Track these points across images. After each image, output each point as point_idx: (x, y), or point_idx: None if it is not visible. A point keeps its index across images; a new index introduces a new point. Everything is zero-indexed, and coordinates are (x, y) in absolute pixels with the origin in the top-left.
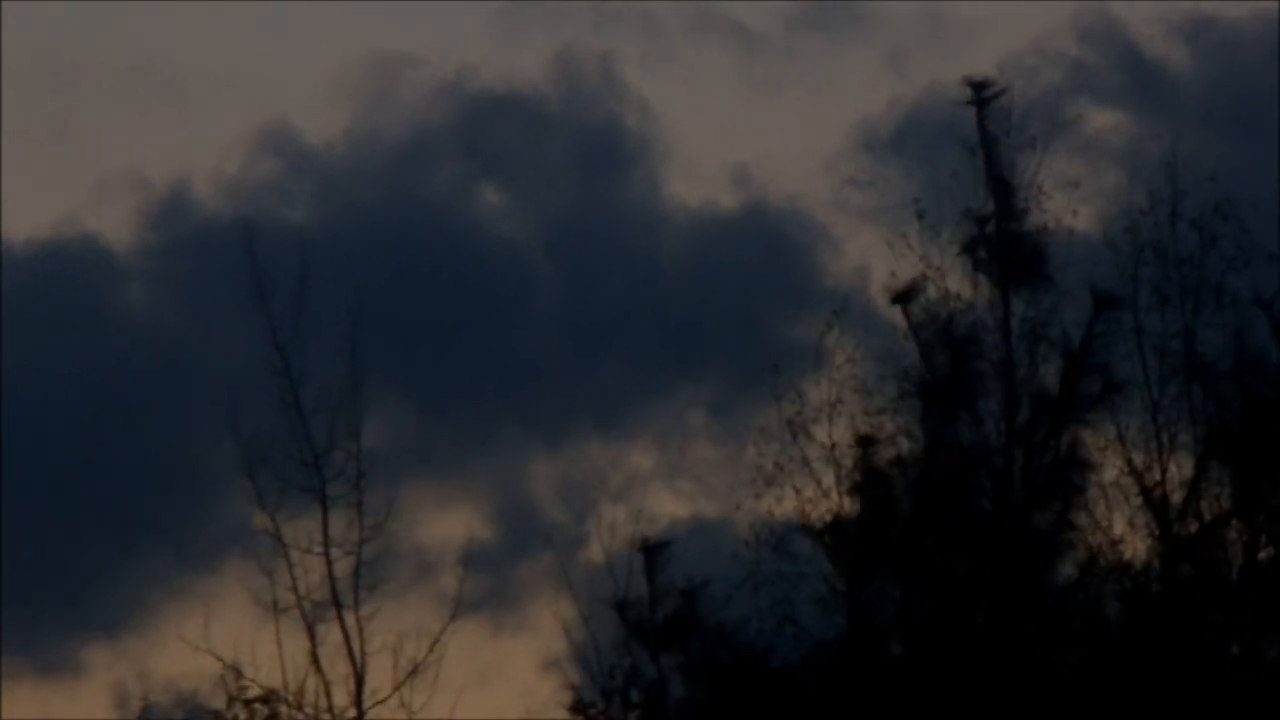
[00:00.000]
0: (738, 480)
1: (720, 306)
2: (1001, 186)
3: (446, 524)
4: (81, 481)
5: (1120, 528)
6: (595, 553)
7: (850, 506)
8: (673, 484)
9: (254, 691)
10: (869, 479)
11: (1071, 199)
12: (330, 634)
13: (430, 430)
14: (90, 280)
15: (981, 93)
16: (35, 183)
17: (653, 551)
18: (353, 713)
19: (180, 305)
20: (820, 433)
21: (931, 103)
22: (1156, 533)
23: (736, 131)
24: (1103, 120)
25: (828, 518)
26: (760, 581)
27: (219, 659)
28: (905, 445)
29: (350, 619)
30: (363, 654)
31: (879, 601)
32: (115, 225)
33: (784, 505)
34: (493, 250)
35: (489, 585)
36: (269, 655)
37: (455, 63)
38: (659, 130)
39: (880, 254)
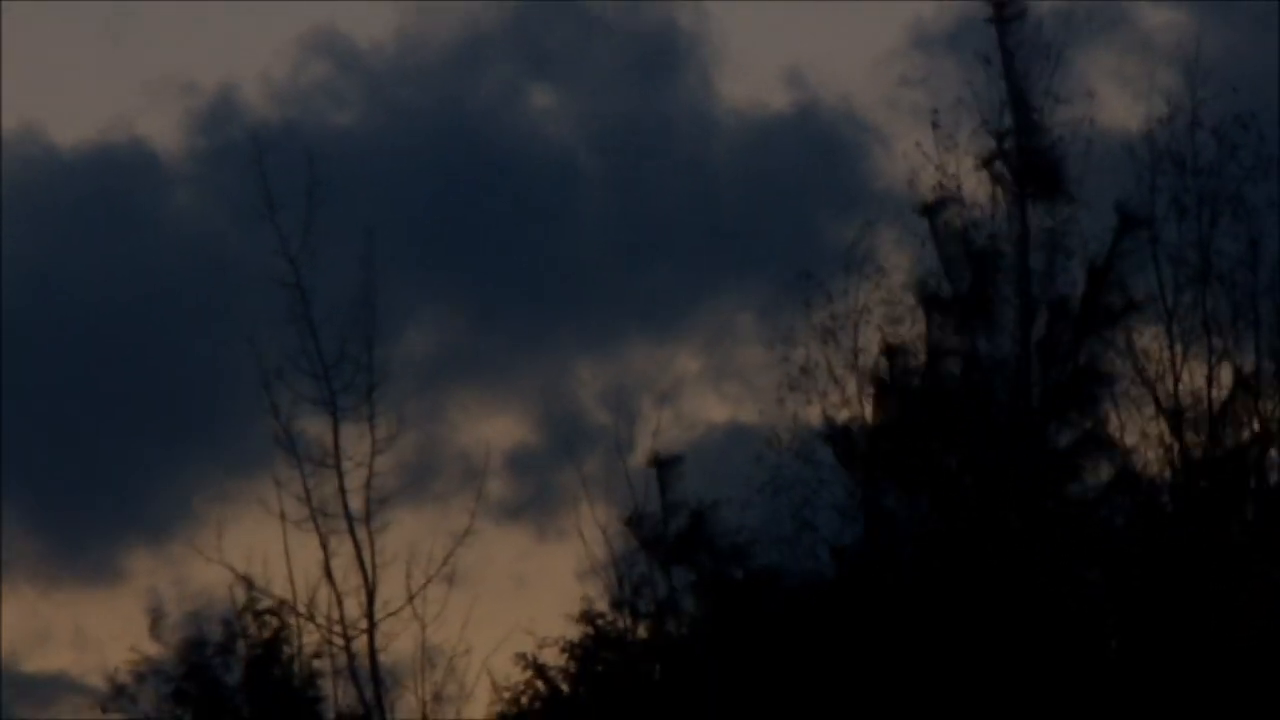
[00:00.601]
0: (779, 384)
1: (771, 209)
2: (1020, 102)
3: (493, 429)
4: (127, 385)
5: (1134, 440)
6: (641, 458)
7: (869, 414)
8: (719, 388)
9: (265, 603)
10: (886, 387)
11: (1088, 108)
12: (344, 546)
13: (477, 335)
14: (136, 185)
15: (1003, 10)
16: (85, 86)
17: (665, 466)
18: (365, 624)
19: (224, 211)
20: (846, 339)
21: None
22: (1172, 445)
23: (789, 31)
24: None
25: (846, 423)
26: (781, 486)
27: (232, 569)
28: (923, 355)
29: (361, 531)
30: (374, 566)
31: (894, 510)
32: (163, 129)
33: (809, 411)
34: (542, 153)
35: (534, 490)
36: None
37: None
38: (711, 30)
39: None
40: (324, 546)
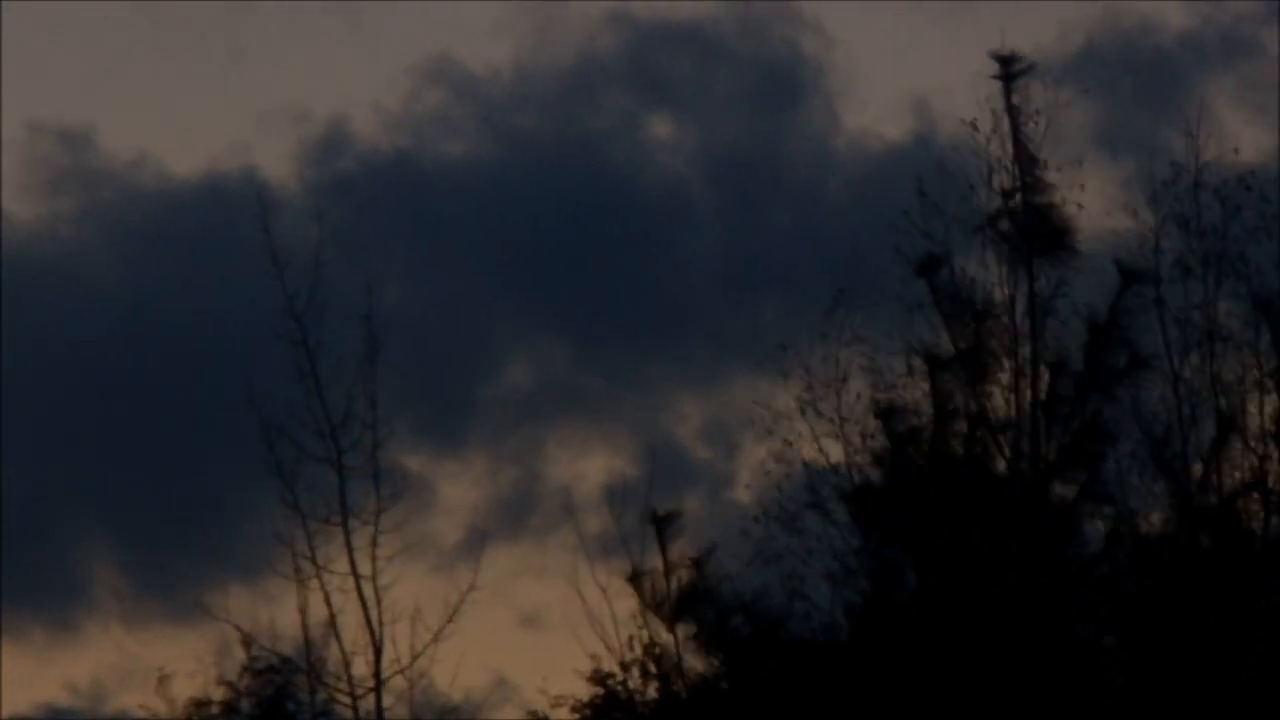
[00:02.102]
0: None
1: (884, 241)
2: (1025, 160)
3: (590, 464)
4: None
5: (1139, 500)
6: (740, 493)
7: (870, 475)
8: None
9: (269, 661)
10: (885, 449)
11: (1078, 174)
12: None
13: (580, 368)
14: (246, 215)
15: (1009, 67)
16: (199, 116)
17: (663, 522)
18: (371, 682)
19: (333, 242)
20: (828, 408)
21: (1107, 30)
22: (1174, 505)
23: (913, 58)
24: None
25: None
26: (769, 557)
27: (237, 628)
28: (924, 415)
29: (368, 588)
30: (380, 624)
31: (896, 571)
32: (275, 158)
33: (793, 481)
34: (656, 183)
35: (631, 527)
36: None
37: None
38: (836, 58)
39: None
40: (329, 604)
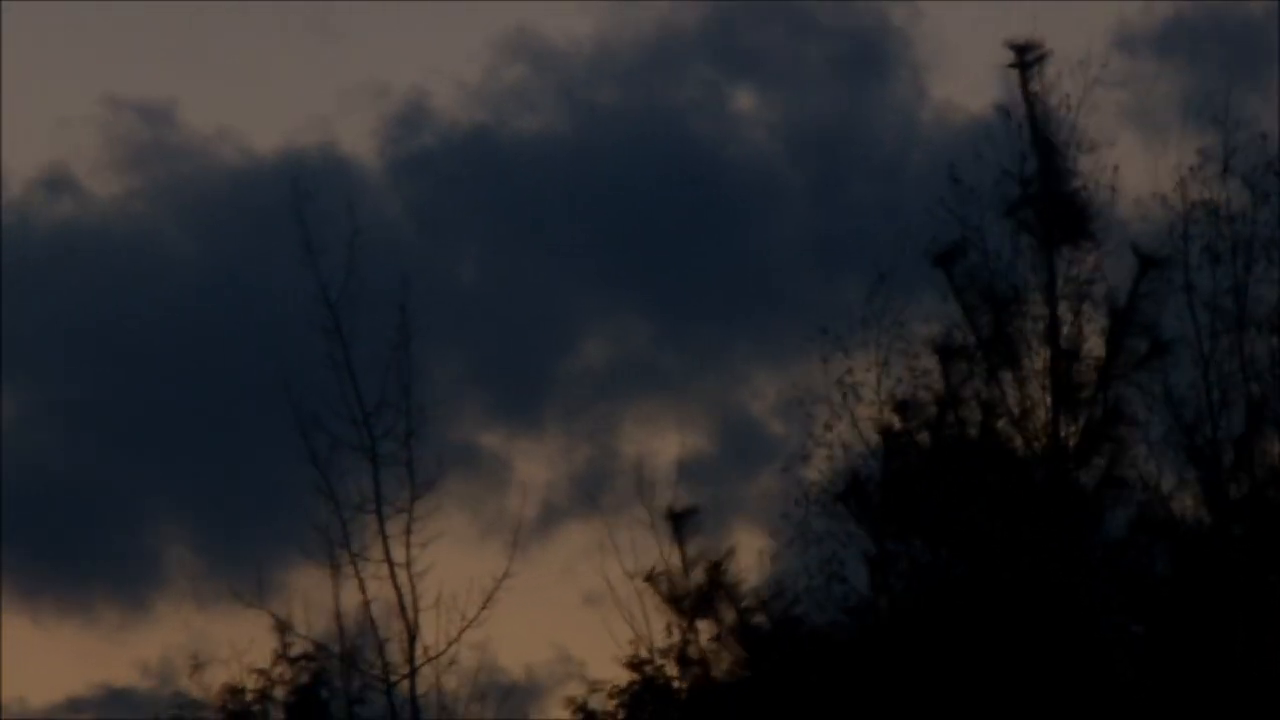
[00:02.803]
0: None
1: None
2: (1045, 147)
3: (667, 441)
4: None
5: (1169, 485)
6: (815, 472)
7: (881, 466)
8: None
9: (303, 648)
10: (898, 439)
11: (1110, 156)
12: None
13: (658, 344)
14: (327, 190)
15: (1024, 55)
16: (281, 91)
17: (680, 519)
18: (406, 669)
19: (411, 219)
20: (867, 393)
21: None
22: (1204, 493)
23: (1002, 29)
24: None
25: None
26: (810, 540)
27: (271, 614)
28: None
29: (402, 576)
30: (415, 611)
31: (913, 564)
32: (355, 134)
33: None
34: (739, 157)
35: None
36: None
37: None
38: (924, 30)
39: (1132, 162)
40: (363, 591)
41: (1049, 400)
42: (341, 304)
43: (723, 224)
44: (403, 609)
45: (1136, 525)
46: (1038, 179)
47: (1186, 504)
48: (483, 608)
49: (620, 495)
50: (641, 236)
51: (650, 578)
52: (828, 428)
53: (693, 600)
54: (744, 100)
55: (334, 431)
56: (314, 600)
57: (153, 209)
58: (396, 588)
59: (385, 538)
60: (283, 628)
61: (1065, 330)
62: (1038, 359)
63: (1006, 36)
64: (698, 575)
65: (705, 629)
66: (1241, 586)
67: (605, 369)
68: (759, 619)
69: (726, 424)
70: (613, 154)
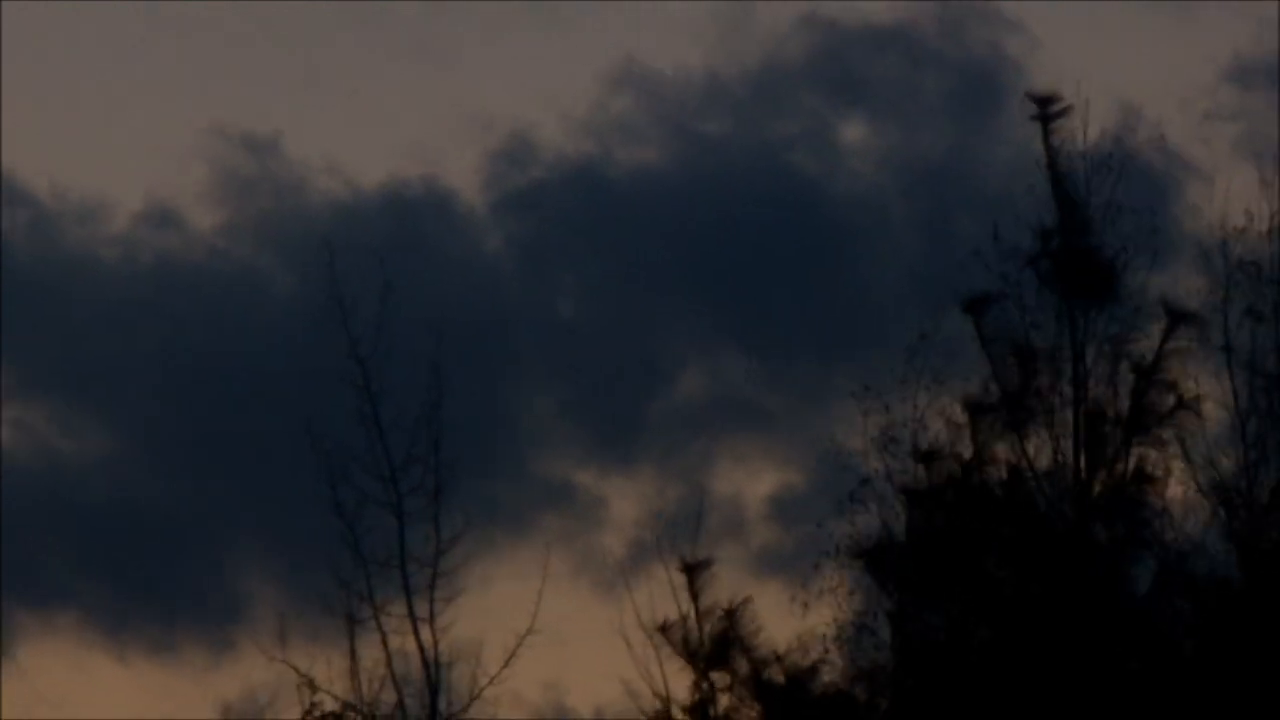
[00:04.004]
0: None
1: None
2: (1067, 203)
3: (761, 480)
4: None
5: (1194, 545)
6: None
7: (901, 524)
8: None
9: (328, 704)
10: (921, 495)
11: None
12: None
13: (756, 379)
14: (429, 224)
15: (1046, 108)
16: (387, 123)
17: (694, 570)
18: None
19: (514, 254)
20: (903, 449)
21: None
22: (1237, 551)
23: (1119, 61)
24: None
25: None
26: (832, 596)
27: (295, 669)
28: (967, 460)
29: (425, 632)
30: (437, 667)
31: (932, 623)
32: (458, 167)
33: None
34: (846, 190)
35: (799, 544)
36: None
37: None
38: (1041, 60)
39: (1246, 197)
40: (385, 647)
41: (1074, 457)
42: (372, 360)
43: (827, 259)
44: (425, 665)
45: (1159, 583)
46: (1057, 234)
47: (1214, 561)
48: (505, 665)
49: (711, 534)
50: (744, 270)
51: (664, 629)
52: (864, 482)
53: (707, 652)
54: (852, 132)
55: (361, 485)
56: (337, 654)
57: (254, 242)
58: (420, 644)
59: (409, 594)
60: (307, 683)
61: (1091, 386)
62: (1063, 415)
63: (1030, 89)
64: (713, 626)
65: (720, 681)
66: (1269, 643)
67: (701, 405)
68: (774, 673)
69: (822, 462)
70: (718, 187)
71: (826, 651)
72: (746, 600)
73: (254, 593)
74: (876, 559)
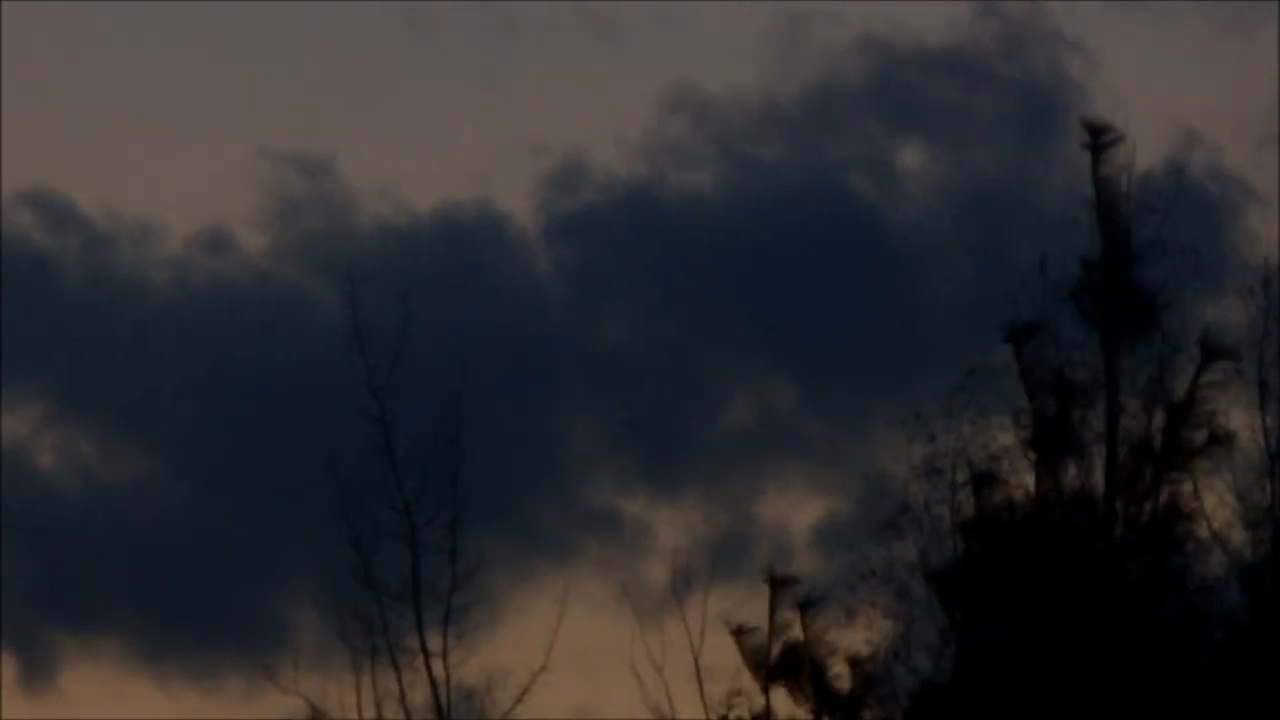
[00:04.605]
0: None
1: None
2: (1112, 235)
3: (807, 508)
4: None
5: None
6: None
7: (960, 548)
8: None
9: None
10: (974, 520)
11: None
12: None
13: (806, 406)
14: (480, 248)
15: (1098, 138)
16: (442, 144)
17: (779, 585)
18: None
19: (565, 275)
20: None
21: None
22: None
23: (1181, 83)
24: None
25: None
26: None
27: (308, 701)
28: (1018, 488)
29: (438, 666)
30: (449, 702)
31: (987, 645)
32: (512, 190)
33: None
34: (905, 214)
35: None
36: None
37: (870, 12)
38: (1102, 82)
39: None
40: (399, 680)
41: (1106, 489)
42: (388, 389)
43: (880, 285)
44: (436, 700)
45: (1187, 616)
46: (1100, 267)
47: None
48: (517, 701)
49: (754, 561)
50: (797, 295)
51: (738, 633)
52: (904, 510)
53: (775, 664)
54: (909, 156)
55: (377, 517)
56: (349, 686)
57: (303, 266)
58: (431, 678)
59: (421, 628)
60: (320, 714)
61: (1125, 419)
62: (1098, 447)
63: (1086, 112)
64: (784, 640)
65: (780, 696)
66: None
67: (749, 434)
68: (839, 686)
69: (867, 490)
70: (771, 211)
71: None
72: (821, 598)
73: (290, 620)
74: (933, 580)
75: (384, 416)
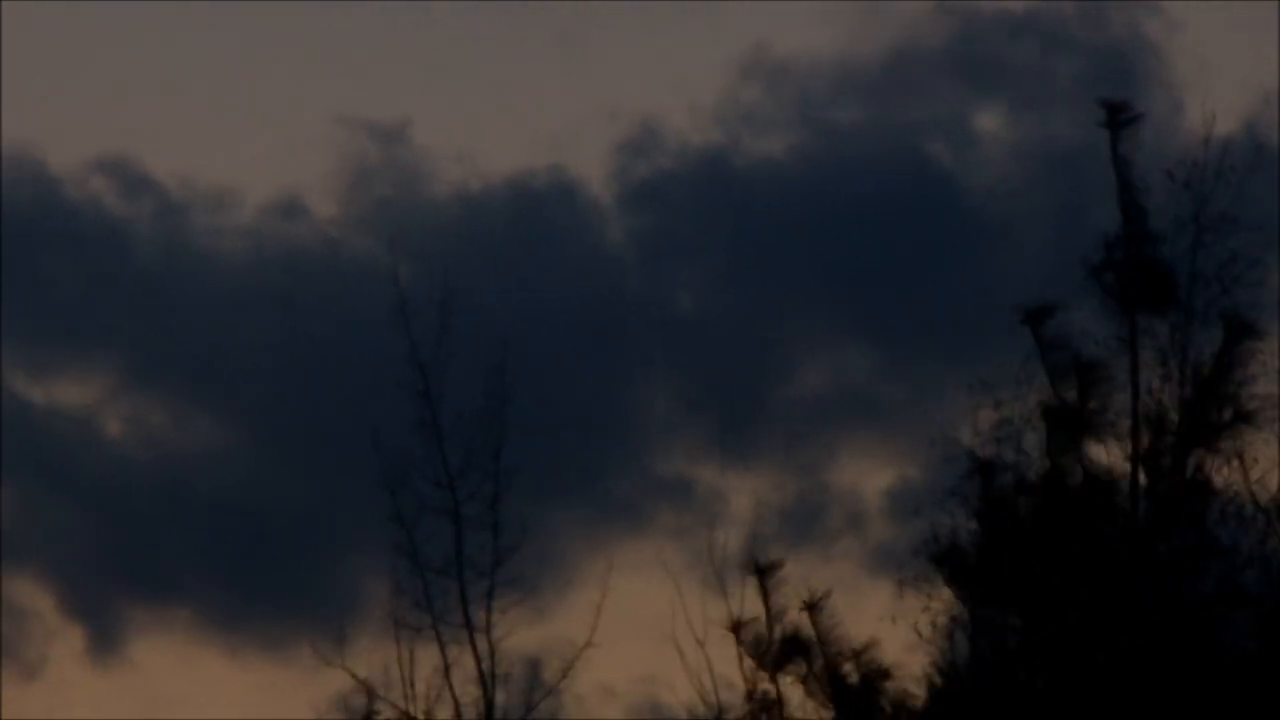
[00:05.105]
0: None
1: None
2: (1132, 211)
3: (879, 474)
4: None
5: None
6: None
7: (971, 532)
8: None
9: (387, 713)
10: (987, 502)
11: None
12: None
13: (879, 372)
14: (553, 215)
15: (1116, 116)
16: (518, 110)
17: (765, 573)
18: None
19: (639, 242)
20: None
21: None
22: None
23: (1265, 44)
24: None
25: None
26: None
27: (354, 675)
28: (1032, 468)
29: (482, 641)
30: (493, 677)
31: (1002, 629)
32: (587, 156)
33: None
34: (978, 180)
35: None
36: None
37: None
38: (1183, 42)
39: None
40: (444, 656)
41: (1131, 467)
42: (433, 365)
43: (960, 249)
44: (481, 674)
45: (1217, 596)
46: (1121, 244)
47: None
48: (562, 677)
49: (830, 529)
50: (873, 261)
51: (736, 627)
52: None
53: (778, 650)
54: (987, 120)
55: (420, 491)
56: (395, 662)
57: (379, 233)
58: (475, 653)
59: (465, 602)
60: (366, 689)
61: (1146, 397)
62: (1121, 425)
63: (1100, 95)
64: (786, 626)
65: (788, 682)
66: None
67: (823, 400)
68: (849, 671)
69: (944, 458)
70: (847, 177)
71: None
72: (826, 596)
73: (365, 590)
74: (951, 563)
75: (428, 391)
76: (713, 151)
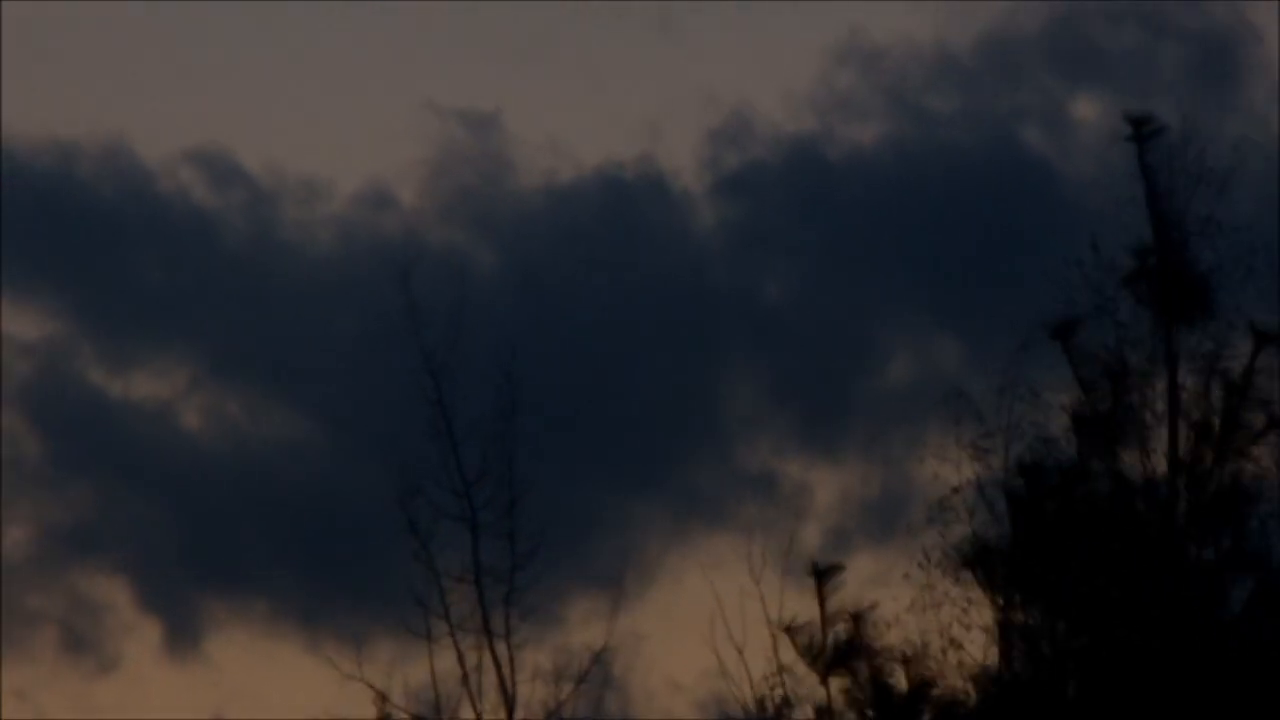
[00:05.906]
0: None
1: None
2: (1163, 221)
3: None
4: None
5: None
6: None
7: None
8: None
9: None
10: (1024, 506)
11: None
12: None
13: (961, 362)
14: (643, 203)
15: (1141, 129)
16: (608, 101)
17: (823, 575)
18: None
19: (728, 230)
20: (997, 460)
21: None
22: None
23: None
24: None
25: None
26: (928, 605)
27: (370, 685)
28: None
29: (501, 647)
30: (513, 682)
31: (1036, 632)
32: (678, 143)
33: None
34: (1076, 169)
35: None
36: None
37: None
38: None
39: None
40: (462, 663)
41: (1170, 473)
42: (444, 372)
43: (1053, 238)
44: (501, 680)
45: (1253, 601)
46: (1153, 254)
47: None
48: (580, 681)
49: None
50: (966, 250)
51: (790, 629)
52: (955, 491)
53: (829, 656)
54: (1084, 108)
55: (436, 500)
56: (412, 669)
57: (469, 222)
58: (495, 660)
59: (484, 608)
60: (382, 699)
61: (1185, 404)
62: (1159, 433)
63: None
64: (838, 630)
65: (837, 686)
66: None
67: (908, 392)
68: (895, 679)
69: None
70: (941, 163)
71: (944, 654)
72: (872, 606)
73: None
74: (982, 566)
75: (440, 399)
76: (805, 139)
